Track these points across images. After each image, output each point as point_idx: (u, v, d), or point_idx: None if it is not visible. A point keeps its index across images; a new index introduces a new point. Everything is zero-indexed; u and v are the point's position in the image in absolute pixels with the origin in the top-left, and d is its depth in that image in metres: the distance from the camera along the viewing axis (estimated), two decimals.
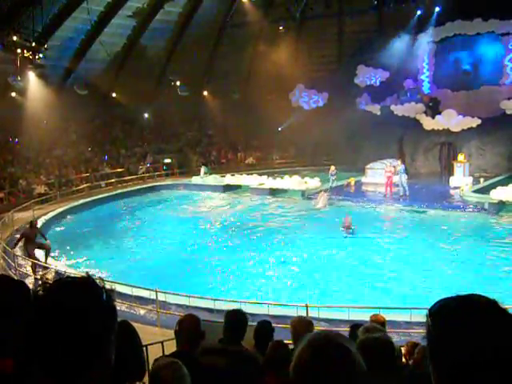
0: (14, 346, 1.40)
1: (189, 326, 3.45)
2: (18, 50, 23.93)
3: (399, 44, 29.38)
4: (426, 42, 29.49)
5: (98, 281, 1.20)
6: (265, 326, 4.57)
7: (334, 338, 1.26)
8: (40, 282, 1.24)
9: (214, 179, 27.17)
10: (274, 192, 24.30)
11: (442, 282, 11.68)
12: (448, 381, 1.12)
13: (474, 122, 26.37)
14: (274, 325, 4.68)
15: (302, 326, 4.15)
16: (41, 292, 1.14)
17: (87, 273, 1.25)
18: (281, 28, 33.76)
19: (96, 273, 12.13)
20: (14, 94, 26.62)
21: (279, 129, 34.34)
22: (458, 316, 1.13)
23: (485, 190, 21.08)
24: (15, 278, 11.38)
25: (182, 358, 2.70)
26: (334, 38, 34.27)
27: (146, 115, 34.85)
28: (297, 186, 23.75)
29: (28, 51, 24.31)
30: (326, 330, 1.36)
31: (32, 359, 1.10)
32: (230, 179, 26.60)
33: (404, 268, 13.07)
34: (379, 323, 4.37)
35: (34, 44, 24.63)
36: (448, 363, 1.12)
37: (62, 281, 1.22)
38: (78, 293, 1.14)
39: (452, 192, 23.04)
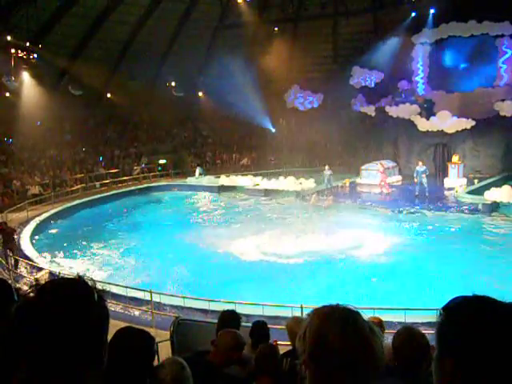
0: None
1: (228, 343, 3.42)
2: (13, 50, 23.88)
3: (394, 45, 29.44)
4: (420, 43, 29.56)
5: (89, 282, 1.19)
6: (261, 326, 4.57)
7: (338, 305, 1.29)
8: (33, 283, 1.24)
9: (208, 180, 27.15)
10: (268, 193, 24.33)
11: (436, 283, 11.71)
12: (459, 379, 1.10)
13: (469, 124, 26.45)
14: (268, 326, 4.68)
15: (298, 326, 4.15)
16: (31, 294, 1.13)
17: (78, 274, 1.24)
18: (276, 29, 33.76)
19: (90, 274, 12.09)
20: (8, 94, 26.50)
21: (273, 130, 34.38)
22: (477, 315, 1.11)
23: (479, 191, 21.14)
24: (9, 279, 11.34)
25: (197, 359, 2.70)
26: (329, 39, 34.32)
27: (141, 116, 34.79)
28: (292, 186, 23.78)
29: (22, 51, 24.27)
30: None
31: (23, 361, 1.09)
32: (224, 180, 26.58)
33: (397, 268, 13.11)
34: (376, 325, 4.37)
35: (28, 44, 24.58)
36: (461, 361, 1.09)
37: (53, 282, 1.21)
38: (69, 294, 1.13)
39: (446, 193, 23.11)
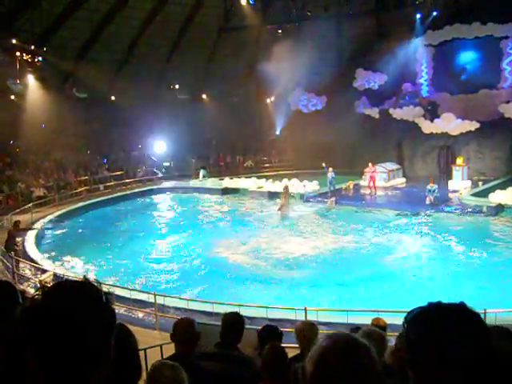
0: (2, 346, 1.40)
1: (184, 329, 3.45)
2: (17, 53, 23.98)
3: (398, 47, 29.39)
4: (424, 45, 29.52)
5: (96, 284, 1.20)
6: (271, 330, 4.53)
7: (355, 337, 1.30)
8: (38, 286, 1.25)
9: (212, 182, 27.17)
10: (272, 195, 24.31)
11: (440, 285, 11.68)
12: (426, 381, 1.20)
13: (473, 126, 26.40)
14: None
15: (307, 329, 4.14)
16: (39, 295, 1.13)
17: (85, 276, 1.25)
18: (279, 31, 33.78)
19: (94, 276, 12.10)
20: (13, 97, 26.59)
21: (277, 133, 34.38)
22: (429, 322, 1.23)
23: (483, 194, 21.09)
24: (14, 280, 11.38)
25: (180, 361, 2.69)
26: (332, 42, 34.28)
27: (145, 118, 34.82)
28: (295, 189, 23.77)
29: (27, 54, 24.36)
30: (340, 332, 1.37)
31: (35, 363, 1.10)
32: (228, 182, 26.59)
33: (401, 271, 13.07)
34: (380, 327, 4.35)
35: (33, 47, 24.68)
36: (424, 366, 1.19)
37: (62, 284, 1.22)
38: (79, 296, 1.14)
39: (451, 195, 23.05)
